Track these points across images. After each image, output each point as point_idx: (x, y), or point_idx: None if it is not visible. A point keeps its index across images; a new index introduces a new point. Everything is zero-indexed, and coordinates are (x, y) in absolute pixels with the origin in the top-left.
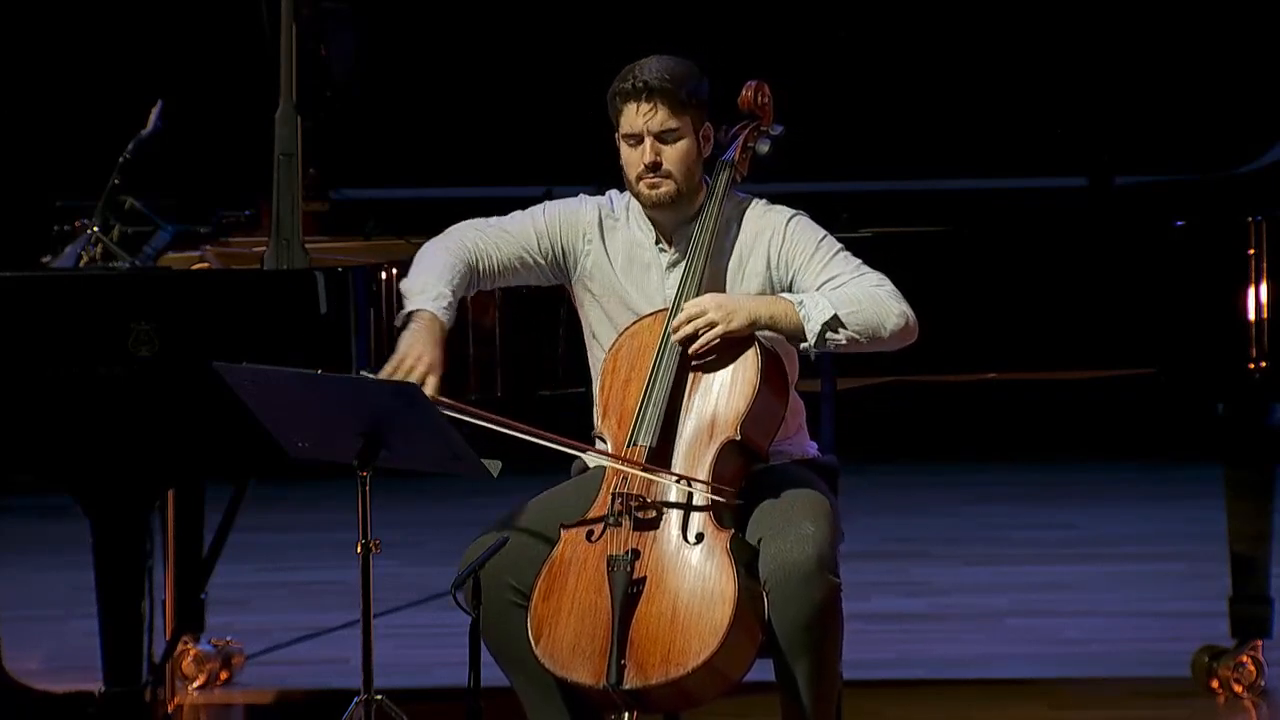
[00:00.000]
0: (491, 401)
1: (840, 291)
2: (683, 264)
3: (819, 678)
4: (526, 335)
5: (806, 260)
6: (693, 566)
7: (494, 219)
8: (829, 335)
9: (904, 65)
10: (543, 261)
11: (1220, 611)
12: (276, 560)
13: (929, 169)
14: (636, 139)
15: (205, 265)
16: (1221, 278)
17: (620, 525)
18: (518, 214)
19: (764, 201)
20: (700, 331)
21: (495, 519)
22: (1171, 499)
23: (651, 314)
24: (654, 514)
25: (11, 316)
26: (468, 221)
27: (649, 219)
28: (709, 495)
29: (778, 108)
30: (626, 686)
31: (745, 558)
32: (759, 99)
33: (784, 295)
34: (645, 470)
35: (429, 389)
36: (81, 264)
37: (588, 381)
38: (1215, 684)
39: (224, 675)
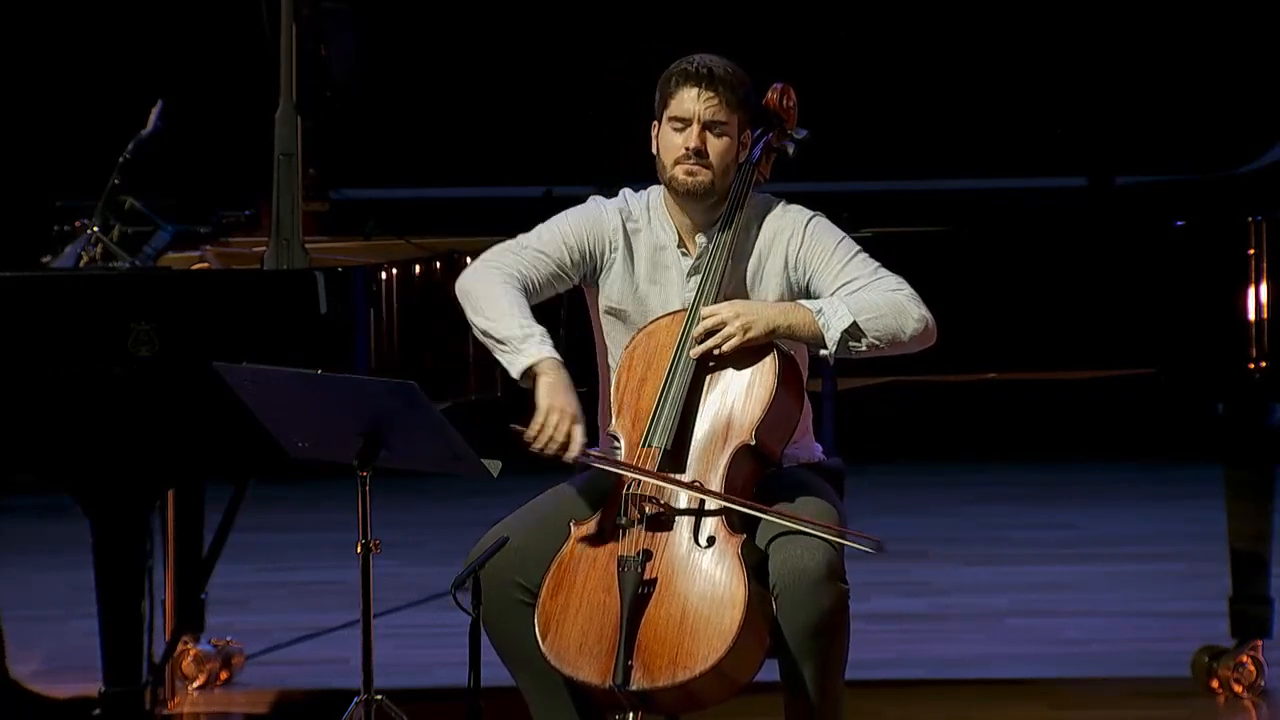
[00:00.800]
0: (491, 401)
1: (858, 297)
2: (703, 269)
3: (825, 682)
4: None
5: (824, 262)
6: (703, 570)
7: (522, 239)
8: (850, 343)
9: (904, 65)
10: (574, 275)
11: (1220, 611)
12: (276, 560)
13: (929, 169)
14: (685, 122)
15: (205, 265)
16: (1221, 278)
17: (632, 526)
18: (542, 231)
19: (783, 202)
20: (718, 340)
21: (502, 517)
22: (1171, 499)
23: (669, 314)
24: (666, 516)
25: (11, 316)
26: (500, 247)
27: (671, 218)
28: (721, 503)
29: (803, 111)
30: (633, 687)
31: (754, 562)
32: (784, 102)
33: (803, 303)
34: (659, 479)
35: (577, 441)
36: (81, 264)
37: (589, 381)
38: (1215, 684)
39: (224, 675)
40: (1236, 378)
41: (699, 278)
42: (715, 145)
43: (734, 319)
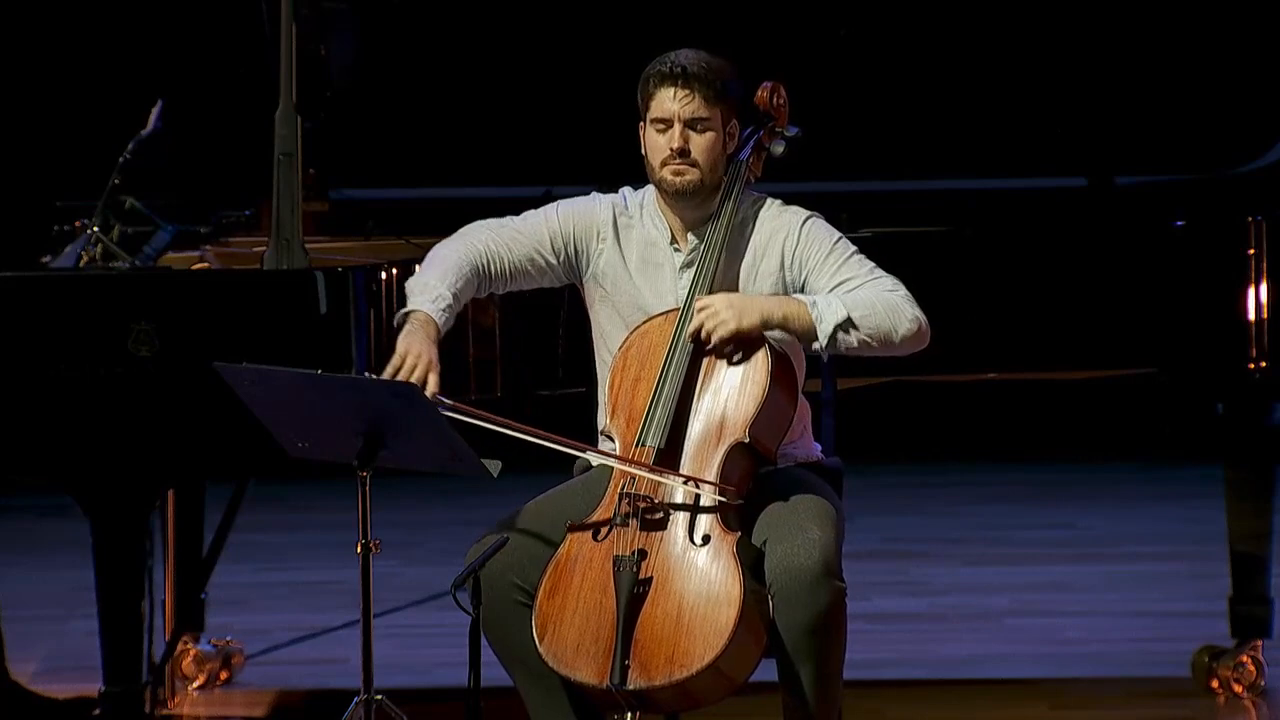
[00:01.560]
0: (491, 402)
1: (854, 294)
2: (696, 263)
3: (823, 681)
4: (526, 335)
5: (820, 262)
6: (699, 568)
7: (507, 219)
8: (840, 336)
9: (904, 65)
10: (555, 262)
11: (1220, 611)
12: (276, 560)
13: (929, 169)
14: (666, 124)
15: (205, 265)
16: (1221, 278)
17: (627, 525)
18: (530, 214)
19: (779, 202)
20: (711, 330)
21: (499, 519)
22: (1171, 499)
23: (662, 314)
24: (661, 515)
25: (11, 316)
26: (481, 222)
27: (664, 216)
28: (715, 495)
29: (794, 109)
30: (630, 687)
31: (750, 560)
32: (775, 100)
33: (797, 296)
34: (652, 471)
35: (430, 388)
36: (81, 264)
37: (588, 381)
38: (1215, 684)
39: (224, 675)
40: (1236, 377)
41: (692, 272)
42: (699, 142)
43: (727, 308)
